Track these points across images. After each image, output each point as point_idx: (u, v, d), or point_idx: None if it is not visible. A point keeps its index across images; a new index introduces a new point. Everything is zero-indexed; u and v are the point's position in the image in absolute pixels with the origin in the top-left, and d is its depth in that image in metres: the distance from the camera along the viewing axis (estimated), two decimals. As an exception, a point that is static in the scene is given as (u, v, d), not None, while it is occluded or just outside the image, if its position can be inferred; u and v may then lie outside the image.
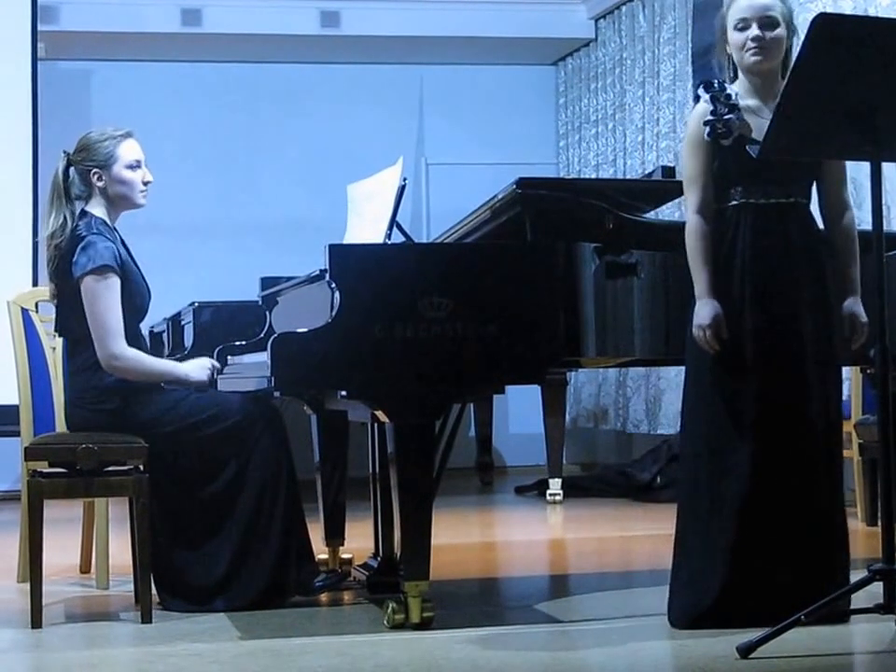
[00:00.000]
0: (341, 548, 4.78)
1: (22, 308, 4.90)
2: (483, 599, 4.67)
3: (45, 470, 4.18)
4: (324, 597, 4.32)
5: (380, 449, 4.38)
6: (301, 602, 4.22)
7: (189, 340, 5.31)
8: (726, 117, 3.75)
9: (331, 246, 3.83)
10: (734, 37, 3.78)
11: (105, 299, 4.18)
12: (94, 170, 4.31)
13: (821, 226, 3.90)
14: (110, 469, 4.11)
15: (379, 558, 4.47)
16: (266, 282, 4.97)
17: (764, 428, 3.73)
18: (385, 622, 3.83)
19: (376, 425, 4.29)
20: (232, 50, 9.19)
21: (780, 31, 3.76)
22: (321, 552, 4.65)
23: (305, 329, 3.77)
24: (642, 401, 8.52)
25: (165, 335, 5.90)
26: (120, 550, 4.72)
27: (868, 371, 5.11)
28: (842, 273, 3.82)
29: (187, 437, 4.19)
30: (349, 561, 4.75)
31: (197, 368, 4.34)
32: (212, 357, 4.56)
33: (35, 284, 7.58)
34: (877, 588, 3.43)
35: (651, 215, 4.77)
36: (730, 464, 3.74)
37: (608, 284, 4.00)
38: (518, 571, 5.50)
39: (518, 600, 4.58)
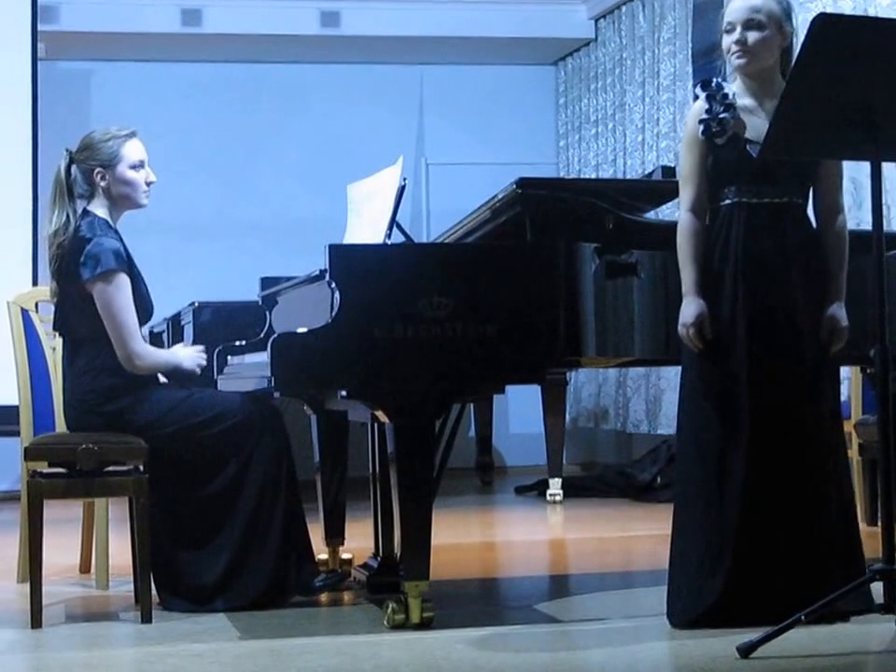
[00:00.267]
0: (341, 548, 4.78)
1: (22, 308, 4.90)
2: (484, 599, 4.67)
3: (45, 471, 4.18)
4: (324, 597, 4.32)
5: (380, 449, 4.38)
6: (301, 602, 4.22)
7: (189, 340, 5.32)
8: (721, 115, 3.76)
9: (331, 246, 3.83)
10: (723, 40, 3.80)
11: (118, 300, 4.18)
12: (98, 169, 4.30)
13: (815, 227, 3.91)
14: (110, 469, 4.11)
15: (379, 558, 4.47)
16: (266, 282, 4.96)
17: (759, 428, 3.73)
18: (386, 622, 3.83)
19: (376, 425, 4.29)
20: (232, 50, 9.19)
21: (766, 33, 3.75)
22: (321, 552, 4.65)
23: (305, 329, 3.77)
24: (642, 401, 8.52)
25: (165, 335, 5.91)
26: (120, 550, 4.72)
27: (868, 371, 5.10)
28: (828, 277, 3.81)
29: (187, 437, 4.19)
30: (349, 561, 4.74)
31: (188, 357, 4.36)
32: (212, 356, 4.56)
33: (34, 284, 7.58)
34: (877, 588, 3.43)
35: (651, 215, 4.77)
36: (726, 464, 3.74)
37: (608, 284, 4.00)
38: (518, 571, 5.49)
39: (518, 600, 4.58)
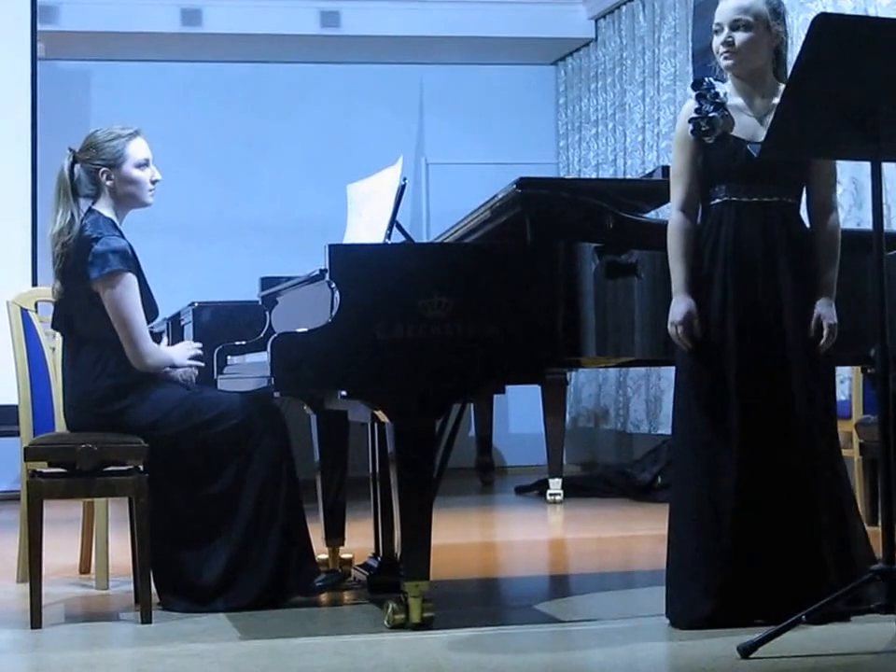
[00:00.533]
0: (341, 548, 4.78)
1: (22, 308, 4.90)
2: (484, 599, 4.67)
3: (45, 470, 4.18)
4: (324, 597, 4.32)
5: (380, 449, 4.38)
6: (301, 602, 4.22)
7: (189, 340, 5.31)
8: (711, 114, 3.76)
9: (331, 246, 3.82)
10: (713, 41, 3.81)
11: (126, 299, 4.18)
12: (103, 169, 4.30)
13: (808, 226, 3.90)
14: (110, 469, 4.11)
15: (379, 558, 4.47)
16: (266, 282, 4.96)
17: (749, 427, 3.73)
18: (386, 622, 3.83)
19: (376, 425, 4.29)
20: (232, 50, 9.19)
21: (753, 33, 3.76)
22: (321, 552, 4.64)
23: (305, 329, 3.76)
24: (642, 401, 8.52)
25: (165, 335, 5.90)
26: (120, 550, 4.72)
27: (868, 371, 5.10)
28: (818, 274, 3.81)
29: (188, 438, 4.19)
30: (349, 561, 4.74)
31: (179, 353, 4.38)
32: (212, 356, 4.56)
33: (34, 284, 7.58)
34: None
35: (651, 215, 4.77)
36: (718, 464, 3.74)
37: (608, 283, 4.00)
38: (518, 571, 5.49)
39: (518, 600, 4.58)
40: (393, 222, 4.14)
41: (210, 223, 9.32)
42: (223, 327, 5.05)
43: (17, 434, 4.85)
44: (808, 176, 3.84)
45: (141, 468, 4.13)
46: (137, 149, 4.34)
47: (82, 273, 4.20)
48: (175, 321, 5.80)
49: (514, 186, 4.15)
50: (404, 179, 4.16)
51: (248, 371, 4.36)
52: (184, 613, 4.11)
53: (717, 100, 3.78)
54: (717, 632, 3.60)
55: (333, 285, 3.76)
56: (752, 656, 3.33)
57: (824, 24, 3.34)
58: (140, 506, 4.05)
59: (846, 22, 3.64)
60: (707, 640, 3.56)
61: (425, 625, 3.79)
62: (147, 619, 3.99)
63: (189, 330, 5.32)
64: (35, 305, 4.95)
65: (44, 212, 7.43)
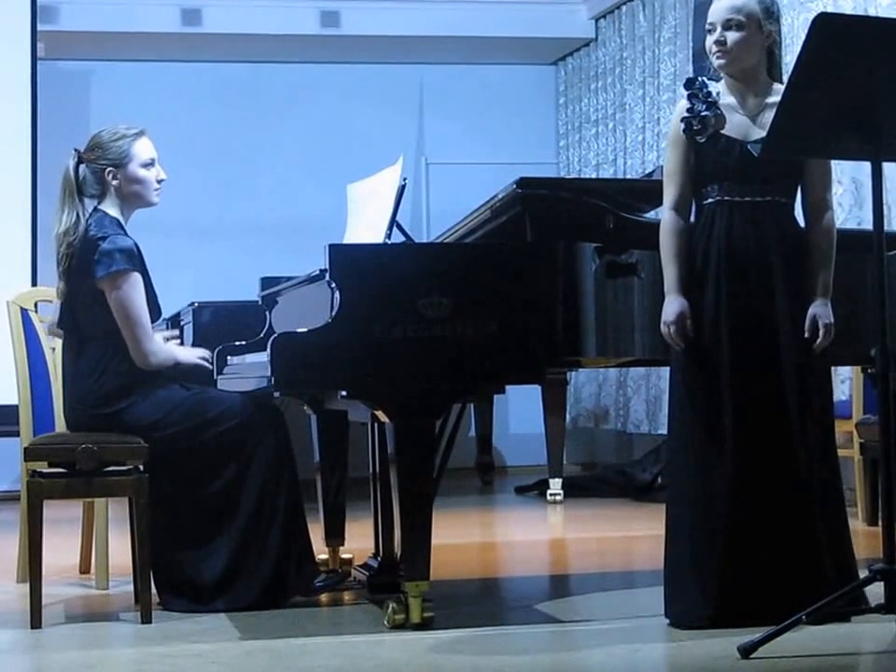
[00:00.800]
0: (341, 548, 4.78)
1: (22, 308, 4.90)
2: (484, 599, 4.67)
3: (44, 470, 4.18)
4: (324, 597, 4.32)
5: (380, 449, 4.37)
6: (301, 602, 4.21)
7: (189, 340, 5.31)
8: (703, 113, 3.76)
9: (331, 246, 3.82)
10: (706, 40, 3.81)
11: (132, 298, 4.19)
12: (109, 168, 4.30)
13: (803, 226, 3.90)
14: (110, 469, 4.11)
15: (379, 558, 4.47)
16: (266, 282, 4.96)
17: (743, 427, 3.73)
18: (386, 622, 3.83)
19: (376, 425, 4.29)
20: (232, 50, 9.19)
21: (745, 33, 3.75)
22: (321, 552, 4.64)
23: (305, 329, 3.76)
24: (643, 401, 8.52)
25: (165, 329, 5.90)
26: (120, 550, 4.71)
27: (869, 371, 5.10)
28: (813, 274, 3.81)
29: (188, 438, 4.19)
30: (349, 561, 4.74)
31: (185, 353, 4.40)
32: (212, 356, 4.55)
33: (34, 284, 7.58)
34: (878, 588, 3.43)
35: (650, 215, 4.77)
36: (713, 464, 3.74)
37: (608, 284, 4.00)
38: (518, 571, 5.49)
39: (518, 600, 4.58)
40: (393, 222, 4.14)
41: (210, 223, 9.33)
42: (223, 327, 5.04)
43: (17, 434, 4.84)
44: (803, 176, 3.83)
45: (141, 468, 4.13)
46: (143, 149, 4.34)
47: (88, 271, 4.20)
48: (174, 321, 5.79)
49: (514, 186, 4.15)
50: (404, 179, 4.16)
51: (248, 370, 4.36)
52: (184, 613, 4.11)
53: (709, 99, 3.78)
54: (717, 632, 3.60)
55: (333, 285, 3.76)
56: (753, 656, 3.32)
57: (824, 24, 3.34)
58: (140, 506, 4.05)
59: (846, 22, 3.64)
60: (707, 640, 3.56)
61: (425, 625, 3.78)
62: (147, 619, 3.99)
63: (189, 330, 5.31)
64: (35, 305, 4.95)
65: (44, 212, 7.47)
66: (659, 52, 8.54)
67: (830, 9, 6.62)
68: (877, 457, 5.33)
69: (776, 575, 3.70)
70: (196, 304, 5.21)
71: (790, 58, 6.35)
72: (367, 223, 4.34)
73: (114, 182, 4.31)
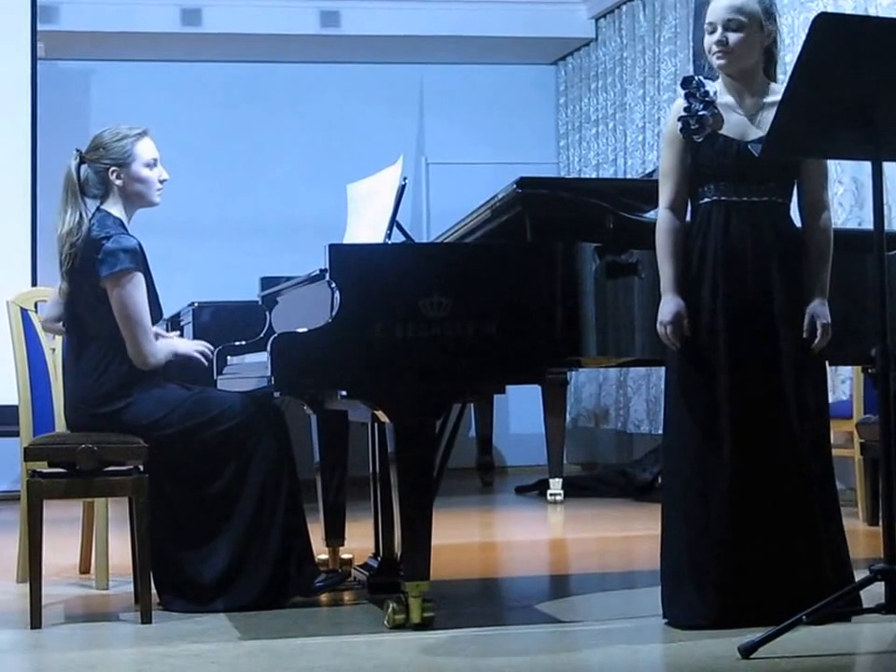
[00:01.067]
0: (341, 548, 4.78)
1: (22, 308, 4.90)
2: (484, 599, 4.67)
3: (44, 470, 4.18)
4: (324, 597, 4.32)
5: (380, 449, 4.37)
6: (301, 602, 4.21)
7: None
8: (700, 113, 3.76)
9: (331, 246, 3.82)
10: (705, 40, 3.80)
11: (133, 298, 4.19)
12: (113, 168, 4.30)
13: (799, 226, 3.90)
14: (110, 469, 4.11)
15: (379, 558, 4.46)
16: (266, 282, 4.96)
17: (741, 427, 3.72)
18: (386, 622, 3.83)
19: (376, 425, 4.29)
20: (232, 50, 9.18)
21: (746, 33, 3.75)
22: (321, 552, 4.64)
23: (305, 329, 3.76)
24: (643, 401, 8.52)
25: (165, 328, 5.90)
26: (120, 550, 4.71)
27: (869, 371, 5.10)
28: (811, 274, 3.80)
29: (188, 438, 4.18)
30: (349, 561, 4.74)
31: (185, 344, 4.41)
32: (212, 357, 4.55)
33: (34, 284, 7.58)
34: (879, 588, 3.43)
35: (651, 215, 4.77)
36: (712, 464, 3.73)
37: (608, 283, 3.99)
38: (518, 571, 5.49)
39: (518, 600, 4.58)
40: (393, 222, 4.14)
41: (210, 223, 9.32)
42: (223, 327, 5.04)
43: (17, 434, 4.84)
44: (799, 176, 3.83)
45: (141, 468, 4.13)
46: (145, 149, 4.35)
47: (91, 270, 4.20)
48: (174, 321, 5.79)
49: (514, 186, 4.15)
50: (404, 179, 4.16)
51: (248, 370, 4.36)
52: (184, 613, 4.11)
53: (706, 98, 3.77)
54: (717, 632, 3.60)
55: (333, 285, 3.76)
56: (753, 656, 3.32)
57: (824, 24, 3.34)
58: (140, 506, 4.04)
59: (846, 22, 3.64)
60: (707, 640, 3.56)
61: (425, 625, 3.78)
62: (147, 619, 3.98)
63: (189, 330, 5.30)
64: (35, 305, 4.95)
65: (44, 212, 7.46)
66: (659, 52, 8.54)
67: (830, 9, 6.61)
68: (878, 457, 5.33)
69: (775, 575, 3.70)
70: (196, 304, 5.21)
71: (790, 58, 6.35)
72: (367, 223, 4.34)
73: (118, 182, 4.32)
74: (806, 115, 3.43)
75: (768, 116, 3.65)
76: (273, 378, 3.73)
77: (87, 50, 8.97)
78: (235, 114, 9.40)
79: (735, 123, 3.79)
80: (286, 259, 6.67)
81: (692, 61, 8.05)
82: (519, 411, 9.23)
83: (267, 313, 4.84)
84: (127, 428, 4.17)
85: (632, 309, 4.03)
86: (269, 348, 3.73)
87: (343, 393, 3.79)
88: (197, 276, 8.71)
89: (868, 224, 3.89)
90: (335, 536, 4.75)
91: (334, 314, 3.74)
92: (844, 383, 6.66)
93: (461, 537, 6.18)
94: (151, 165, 4.36)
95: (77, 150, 4.35)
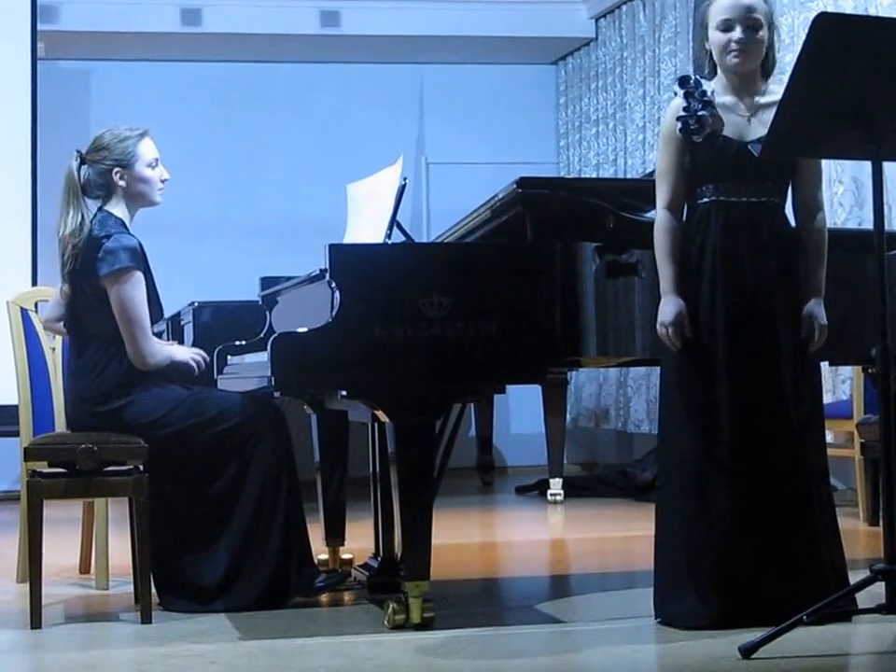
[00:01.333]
0: (341, 548, 4.78)
1: (22, 308, 4.90)
2: (484, 599, 4.66)
3: (44, 470, 4.18)
4: (324, 598, 4.32)
5: (380, 449, 4.37)
6: (301, 602, 4.21)
7: (189, 340, 5.32)
8: (699, 113, 3.75)
9: (331, 246, 3.82)
10: (715, 37, 3.76)
11: (132, 297, 4.19)
12: (116, 169, 4.31)
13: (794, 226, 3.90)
14: (110, 469, 4.10)
15: (379, 558, 4.46)
16: (266, 282, 4.96)
17: (741, 428, 3.72)
18: (386, 622, 3.83)
19: (376, 425, 4.29)
20: (232, 50, 9.18)
21: (763, 33, 3.75)
22: (321, 552, 4.64)
23: (305, 329, 3.76)
24: (643, 401, 8.52)
25: (165, 335, 5.90)
26: (120, 550, 4.71)
27: (869, 371, 5.09)
28: (807, 274, 3.80)
29: (188, 438, 4.18)
30: (349, 561, 4.74)
31: (182, 351, 4.39)
32: (212, 357, 4.56)
33: (34, 284, 7.58)
34: (879, 588, 3.43)
35: (651, 214, 4.76)
36: (712, 464, 3.73)
37: (608, 283, 3.99)
38: (519, 571, 5.49)
39: (519, 600, 4.58)
40: (393, 222, 4.14)
41: (210, 223, 9.32)
42: (223, 327, 5.05)
43: (17, 434, 4.84)
44: (795, 176, 3.83)
45: (141, 468, 4.13)
46: (147, 149, 4.35)
47: (91, 269, 4.21)
48: (174, 321, 5.80)
49: (514, 185, 4.15)
50: (404, 179, 4.16)
51: (248, 370, 4.36)
52: (184, 614, 4.10)
53: (704, 98, 3.76)
54: (717, 632, 3.60)
55: (333, 284, 3.76)
56: (754, 657, 3.32)
57: (824, 24, 3.34)
58: (140, 506, 4.04)
59: (846, 22, 3.63)
60: (707, 641, 3.55)
61: (425, 625, 3.78)
62: (147, 619, 3.98)
63: (189, 330, 5.31)
64: (35, 305, 4.95)
65: (44, 212, 7.46)
66: (659, 52, 8.53)
67: (830, 9, 6.61)
68: (878, 457, 5.32)
69: (775, 575, 3.70)
70: (196, 304, 5.21)
71: (790, 58, 6.35)
72: (367, 223, 4.34)
73: (121, 183, 4.32)
74: (806, 115, 3.43)
75: (767, 116, 3.65)
76: (272, 378, 3.73)
77: (87, 50, 8.97)
78: (235, 114, 9.40)
79: (733, 123, 3.78)
80: (286, 259, 6.67)
81: (692, 61, 8.05)
82: (519, 411, 9.23)
83: (267, 313, 4.84)
84: (126, 427, 4.17)
85: (632, 309, 4.03)
86: (269, 348, 3.73)
87: (343, 393, 3.79)
88: (197, 276, 8.71)
89: (868, 224, 3.89)
90: (335, 536, 4.75)
91: (334, 314, 3.74)
92: (844, 383, 6.66)
93: (461, 537, 6.17)
94: (153, 165, 4.36)
95: (78, 151, 4.35)
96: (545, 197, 4.21)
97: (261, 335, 4.72)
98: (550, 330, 3.89)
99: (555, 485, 7.55)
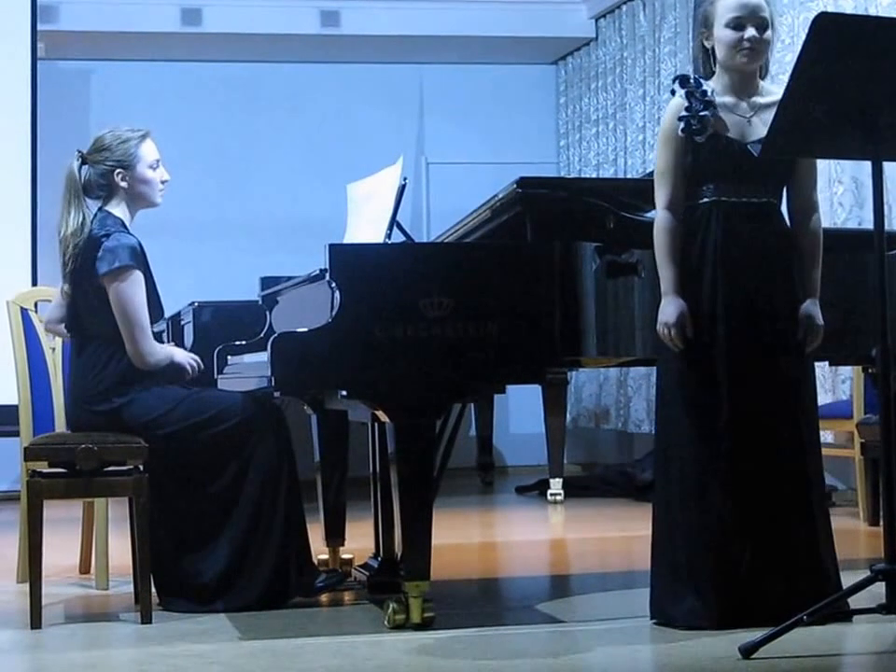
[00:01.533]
0: (341, 548, 4.78)
1: (22, 308, 4.90)
2: (484, 599, 4.67)
3: (44, 470, 4.18)
4: (324, 598, 4.32)
5: (380, 449, 4.37)
6: (302, 602, 4.21)
7: (189, 340, 5.31)
8: (701, 113, 3.74)
9: (331, 246, 3.82)
10: (724, 35, 3.75)
11: (132, 296, 4.20)
12: (118, 170, 4.31)
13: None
14: (110, 469, 4.10)
15: (379, 558, 4.46)
16: (266, 282, 4.96)
17: (741, 428, 3.72)
18: (386, 622, 3.83)
19: (376, 425, 4.29)
20: (232, 50, 9.18)
21: (769, 33, 3.75)
22: (321, 552, 4.64)
23: (305, 329, 3.76)
24: (643, 401, 8.52)
25: (165, 335, 5.90)
26: (120, 550, 4.71)
27: (869, 371, 5.10)
28: (802, 275, 3.80)
29: (188, 437, 4.18)
30: (349, 561, 4.74)
31: (181, 353, 4.38)
32: (212, 357, 4.56)
33: (34, 284, 7.58)
34: (880, 588, 3.43)
35: (651, 214, 4.76)
36: (712, 464, 3.72)
37: (608, 283, 3.99)
38: (519, 571, 5.49)
39: (519, 600, 4.58)
40: (393, 222, 4.14)
41: (210, 223, 9.32)
42: (223, 327, 5.04)
43: (17, 434, 4.84)
44: (792, 176, 3.83)
45: (141, 468, 4.13)
46: (149, 151, 4.36)
47: (91, 268, 4.21)
48: (174, 321, 5.79)
49: (514, 185, 4.15)
50: (404, 179, 4.16)
51: (248, 370, 4.36)
52: (184, 613, 4.10)
53: (706, 98, 3.76)
54: (717, 632, 3.60)
55: (333, 284, 3.76)
56: (754, 657, 3.32)
57: (824, 24, 3.34)
58: (140, 506, 4.04)
59: (846, 22, 3.63)
60: (707, 640, 3.55)
61: (425, 625, 3.78)
62: (147, 619, 3.98)
63: (189, 330, 5.31)
64: (35, 305, 4.95)
65: (44, 212, 7.46)
66: (659, 52, 8.53)
67: (830, 9, 6.61)
68: (878, 457, 5.33)
69: (775, 575, 3.70)
70: (196, 304, 5.21)
71: (790, 58, 6.35)
72: (367, 223, 4.34)
73: (122, 183, 4.32)
74: (806, 115, 3.43)
75: (767, 116, 3.64)
76: (272, 378, 3.73)
77: (87, 50, 8.97)
78: (235, 114, 9.40)
79: (734, 124, 3.78)
80: (286, 259, 6.67)
81: (692, 61, 8.05)
82: (519, 411, 9.23)
83: (267, 313, 4.84)
84: (126, 426, 4.17)
85: (632, 309, 4.03)
86: (269, 348, 3.73)
87: (343, 393, 3.79)
88: (197, 276, 8.70)
89: (868, 224, 3.89)
90: (335, 536, 4.75)
91: (334, 314, 3.74)
92: (844, 383, 6.66)
93: (461, 537, 6.17)
94: (154, 167, 4.37)
95: (79, 151, 4.35)
96: (545, 197, 4.21)
97: (261, 335, 4.71)
98: (550, 330, 3.89)
99: (555, 485, 7.55)
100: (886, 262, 3.48)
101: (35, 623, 3.95)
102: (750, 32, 3.71)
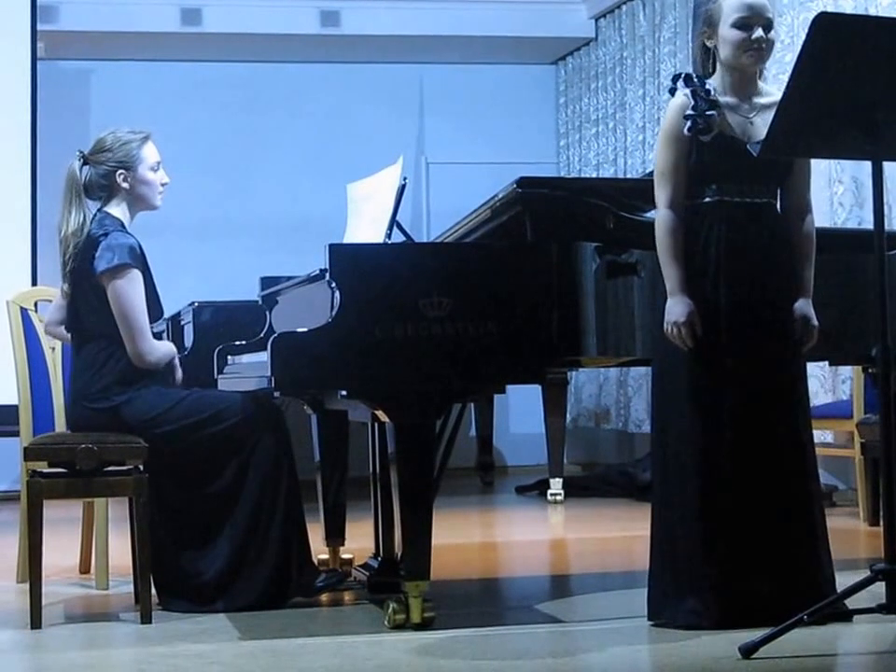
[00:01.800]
0: (341, 548, 4.78)
1: (22, 308, 4.90)
2: (484, 599, 4.67)
3: (44, 470, 4.18)
4: (324, 597, 4.32)
5: (380, 449, 4.37)
6: (302, 602, 4.21)
7: (188, 340, 5.31)
8: (707, 112, 3.74)
9: (331, 246, 3.82)
10: (730, 34, 3.74)
11: (130, 294, 4.20)
12: (120, 171, 4.32)
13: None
14: (110, 468, 4.10)
15: (379, 558, 4.46)
16: (266, 282, 4.96)
17: (744, 428, 3.72)
18: (386, 622, 3.83)
19: (376, 425, 4.29)
20: (232, 50, 9.18)
21: (773, 33, 3.75)
22: (321, 552, 4.64)
23: (305, 329, 3.76)
24: (643, 401, 8.51)
25: (165, 335, 5.90)
26: (120, 550, 4.71)
27: (869, 371, 5.09)
28: (797, 274, 3.81)
29: (187, 436, 4.19)
30: (350, 561, 4.74)
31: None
32: (212, 357, 4.56)
33: (34, 284, 7.58)
34: (879, 588, 3.42)
35: (651, 214, 4.76)
36: (713, 465, 3.72)
37: (608, 283, 3.99)
38: (519, 571, 5.49)
39: (519, 600, 4.58)
40: (393, 222, 4.14)
41: (210, 223, 9.32)
42: (223, 327, 5.04)
43: (17, 434, 4.84)
44: (789, 177, 3.83)
45: (141, 467, 4.13)
46: (150, 153, 4.37)
47: (89, 267, 4.22)
48: (174, 321, 5.79)
49: (514, 185, 4.15)
50: (404, 179, 4.16)
51: (248, 370, 4.36)
52: (184, 613, 4.10)
53: (710, 97, 3.75)
54: (718, 632, 3.59)
55: (333, 284, 3.76)
56: (754, 657, 3.32)
57: (825, 23, 3.34)
58: (140, 506, 4.04)
59: (846, 22, 3.63)
60: (707, 640, 3.55)
61: (425, 625, 3.78)
62: (147, 619, 3.98)
63: (188, 330, 5.31)
64: (35, 305, 4.95)
65: (44, 212, 7.47)
66: (659, 52, 8.53)
67: (830, 9, 6.61)
68: (878, 457, 5.33)
69: (775, 575, 3.70)
70: (196, 304, 5.21)
71: (790, 58, 6.35)
72: (367, 223, 4.34)
73: (124, 184, 4.33)
74: (806, 115, 3.43)
75: (768, 117, 3.64)
76: (272, 378, 3.73)
77: (87, 50, 8.97)
78: (235, 114, 9.40)
79: (736, 123, 3.78)
80: (286, 259, 6.67)
81: (692, 61, 8.05)
82: (519, 411, 9.23)
83: (267, 313, 4.84)
84: (126, 424, 4.17)
85: (632, 308, 4.03)
86: (269, 348, 3.73)
87: (343, 393, 3.79)
88: (197, 276, 8.70)
89: (868, 224, 3.89)
90: (335, 536, 4.75)
91: (334, 314, 3.74)
92: (844, 383, 6.66)
93: (461, 537, 6.17)
94: (155, 169, 4.38)
95: (80, 151, 4.35)
96: (545, 197, 4.21)
97: (261, 335, 4.71)
98: (549, 330, 3.89)
99: (555, 485, 7.55)
100: (886, 262, 3.48)
101: (35, 623, 3.95)
102: (758, 32, 3.71)
